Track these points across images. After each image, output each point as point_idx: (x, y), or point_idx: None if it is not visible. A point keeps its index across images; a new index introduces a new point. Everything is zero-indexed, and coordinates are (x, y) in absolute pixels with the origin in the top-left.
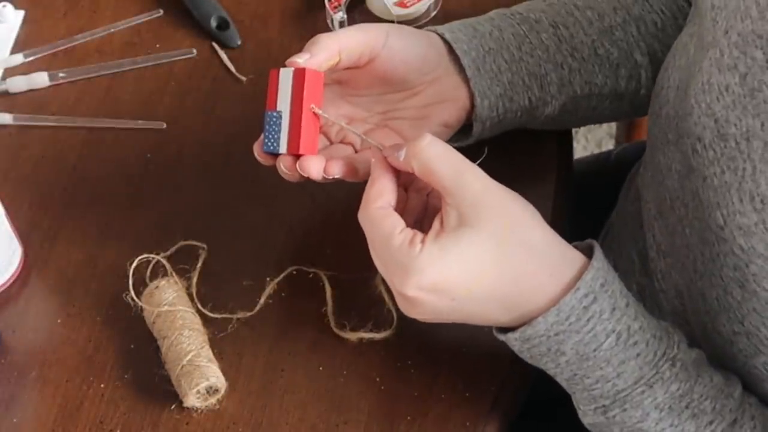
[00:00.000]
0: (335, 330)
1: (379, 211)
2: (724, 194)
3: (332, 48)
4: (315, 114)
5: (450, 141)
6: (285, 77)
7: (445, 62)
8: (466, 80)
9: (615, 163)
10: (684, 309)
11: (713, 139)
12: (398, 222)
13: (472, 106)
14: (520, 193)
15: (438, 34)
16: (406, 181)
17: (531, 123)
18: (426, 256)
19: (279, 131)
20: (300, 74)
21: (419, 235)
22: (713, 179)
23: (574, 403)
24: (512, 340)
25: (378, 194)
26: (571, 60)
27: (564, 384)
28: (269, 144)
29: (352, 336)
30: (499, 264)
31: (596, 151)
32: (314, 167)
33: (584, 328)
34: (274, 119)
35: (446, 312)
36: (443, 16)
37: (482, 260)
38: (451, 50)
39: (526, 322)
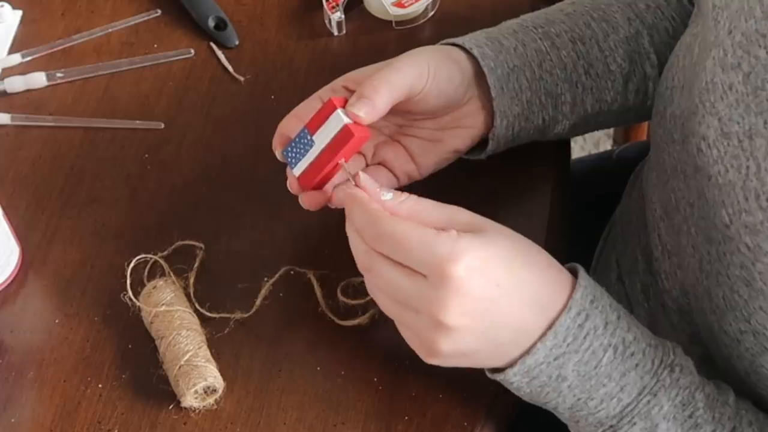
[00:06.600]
0: (338, 321)
1: (399, 220)
2: (729, 193)
3: (388, 102)
4: (339, 164)
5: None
6: (335, 120)
7: (471, 88)
8: (486, 103)
9: (617, 163)
10: (690, 308)
11: (717, 137)
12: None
13: (487, 126)
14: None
15: (466, 49)
16: None
17: (539, 138)
18: (468, 238)
19: (303, 155)
20: (349, 133)
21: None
22: (718, 178)
23: None
24: (511, 375)
25: (381, 214)
26: (585, 78)
27: (566, 414)
28: (290, 156)
29: (362, 320)
30: (524, 256)
31: (594, 151)
32: (315, 203)
33: (582, 346)
34: (305, 142)
35: (487, 305)
36: (441, 16)
37: (513, 249)
38: (475, 65)
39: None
